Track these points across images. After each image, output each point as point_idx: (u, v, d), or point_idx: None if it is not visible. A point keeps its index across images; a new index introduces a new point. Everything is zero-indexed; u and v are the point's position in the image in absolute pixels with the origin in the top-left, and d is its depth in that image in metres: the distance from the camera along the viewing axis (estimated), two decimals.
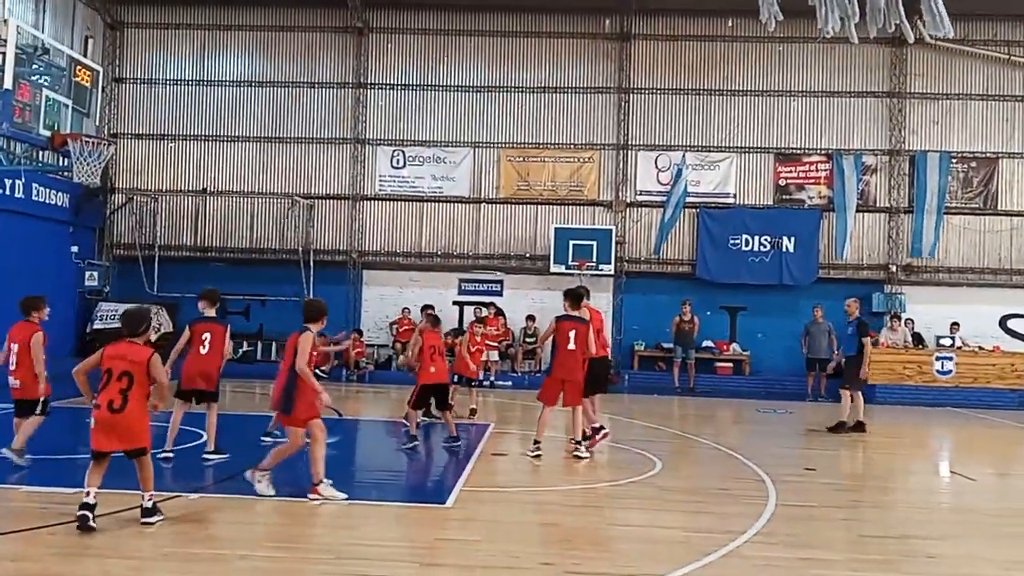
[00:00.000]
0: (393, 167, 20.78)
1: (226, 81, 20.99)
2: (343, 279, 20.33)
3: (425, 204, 20.71)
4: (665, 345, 19.51)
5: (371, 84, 20.81)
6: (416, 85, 20.82)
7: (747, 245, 19.96)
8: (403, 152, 20.78)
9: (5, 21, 9.60)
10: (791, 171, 20.36)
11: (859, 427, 12.93)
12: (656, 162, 20.45)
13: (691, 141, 20.39)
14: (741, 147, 20.36)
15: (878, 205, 20.18)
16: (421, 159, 20.71)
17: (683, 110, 20.47)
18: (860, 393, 13.11)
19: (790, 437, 13.40)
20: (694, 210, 20.22)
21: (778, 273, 19.72)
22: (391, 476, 9.20)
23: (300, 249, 20.24)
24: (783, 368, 19.41)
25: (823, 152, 20.22)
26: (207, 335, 9.01)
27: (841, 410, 13.11)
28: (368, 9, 20.61)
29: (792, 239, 19.84)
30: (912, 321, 19.20)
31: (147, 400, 6.26)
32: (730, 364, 19.62)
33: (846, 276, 19.92)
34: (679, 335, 18.76)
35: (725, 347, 19.84)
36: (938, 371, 17.92)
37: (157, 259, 20.12)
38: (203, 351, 8.96)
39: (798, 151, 20.34)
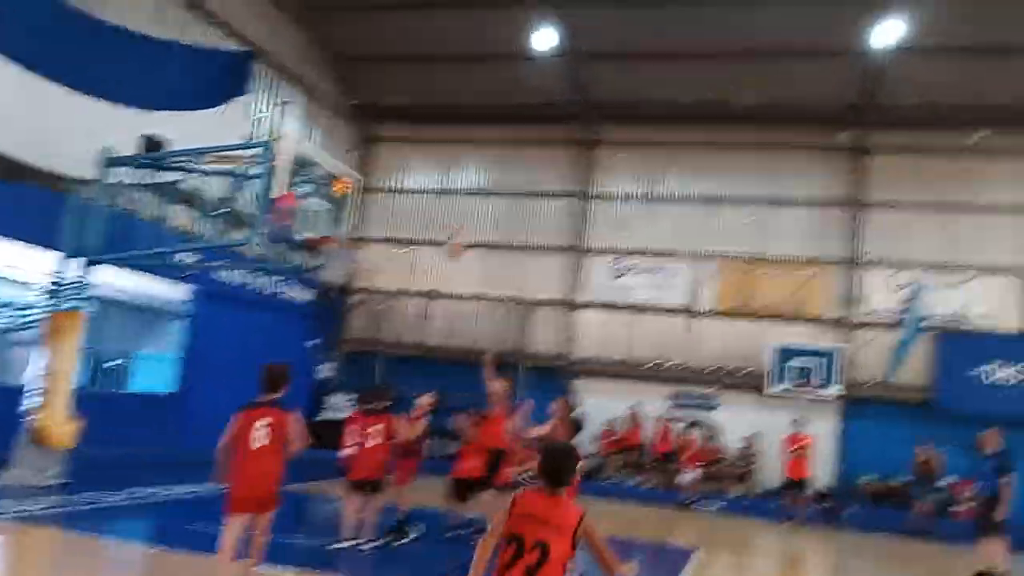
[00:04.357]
0: (611, 276, 21.04)
1: (459, 191, 22.46)
2: (554, 385, 20.49)
3: (639, 314, 20.69)
4: (896, 480, 17.89)
5: (595, 195, 21.43)
6: (639, 196, 21.18)
7: (995, 374, 18.12)
8: (621, 261, 21.02)
9: (282, 137, 10.85)
10: None
11: None
12: (891, 281, 19.27)
13: (932, 259, 19.05)
14: (989, 266, 18.76)
15: None
16: (638, 269, 20.84)
17: (924, 226, 19.25)
18: (1003, 540, 11.15)
19: None
20: (931, 333, 18.74)
21: None
22: None
23: (515, 352, 20.78)
24: None
25: None
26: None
27: (983, 556, 11.19)
28: (599, 123, 21.42)
29: None
30: None
31: None
32: (971, 507, 17.55)
33: None
34: (918, 476, 17.05)
35: (967, 487, 17.81)
36: None
37: (384, 356, 21.40)
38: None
39: None
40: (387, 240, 22.60)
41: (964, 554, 13.52)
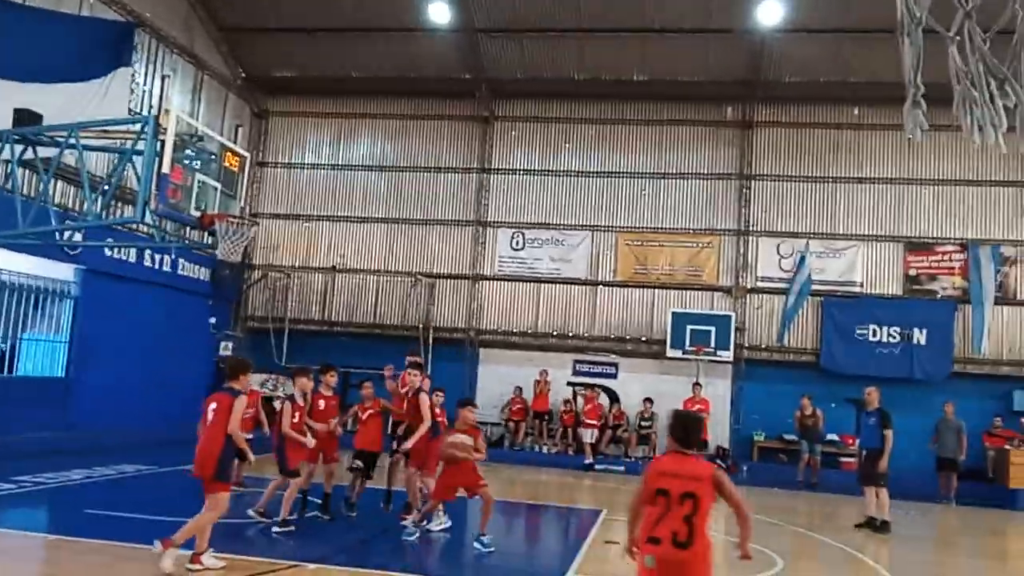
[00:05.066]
0: (512, 248, 21.25)
1: (357, 166, 22.19)
2: (460, 356, 20.70)
3: (542, 285, 21.01)
4: (787, 436, 18.84)
5: (494, 169, 21.53)
6: (537, 170, 21.40)
7: (875, 336, 19.20)
8: (523, 234, 21.24)
9: (167, 111, 10.53)
10: (922, 261, 19.58)
11: (884, 527, 11.92)
12: (778, 249, 20.11)
13: (815, 228, 20.01)
14: (868, 235, 19.79)
15: (1019, 298, 19.09)
16: (540, 241, 21.12)
17: (807, 197, 20.18)
18: (885, 490, 12.12)
19: (920, 541, 12.57)
20: (818, 298, 19.71)
21: (908, 366, 18.78)
22: (501, 559, 9.09)
23: (420, 326, 20.82)
24: (913, 467, 18.22)
25: (958, 242, 19.39)
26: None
27: (867, 506, 12.21)
28: (494, 99, 21.48)
29: (924, 331, 18.95)
30: None
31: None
32: (856, 460, 18.64)
33: (984, 372, 18.76)
34: (803, 430, 18.00)
35: (851, 441, 18.90)
36: None
37: (287, 332, 21.12)
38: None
39: (930, 240, 19.58)
40: (285, 216, 22.22)
41: (850, 503, 14.51)
